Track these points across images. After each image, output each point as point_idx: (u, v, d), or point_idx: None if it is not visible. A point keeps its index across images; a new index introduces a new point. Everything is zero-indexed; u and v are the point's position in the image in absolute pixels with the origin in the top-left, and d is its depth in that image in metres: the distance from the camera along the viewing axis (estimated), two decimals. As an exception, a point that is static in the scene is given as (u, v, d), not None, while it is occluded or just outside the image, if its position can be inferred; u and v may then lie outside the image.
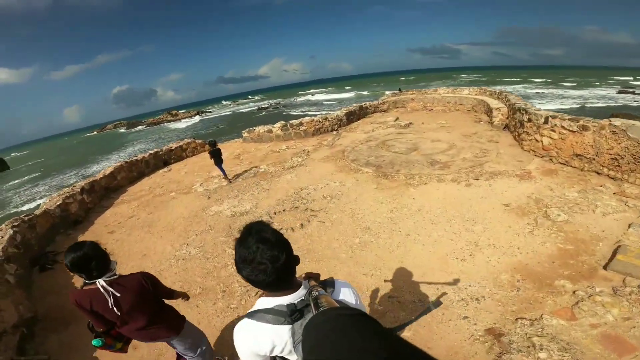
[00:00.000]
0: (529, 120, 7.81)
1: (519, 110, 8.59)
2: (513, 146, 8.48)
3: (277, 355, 1.07)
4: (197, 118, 72.93)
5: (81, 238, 6.88)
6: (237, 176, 8.90)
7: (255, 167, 9.40)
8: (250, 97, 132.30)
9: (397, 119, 13.29)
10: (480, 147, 8.46)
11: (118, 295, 1.83)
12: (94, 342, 1.92)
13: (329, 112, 13.65)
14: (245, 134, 12.80)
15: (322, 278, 1.26)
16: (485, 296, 3.56)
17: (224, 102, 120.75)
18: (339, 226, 5.53)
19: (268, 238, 0.99)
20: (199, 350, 2.46)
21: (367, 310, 1.59)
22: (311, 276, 1.23)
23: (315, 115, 12.83)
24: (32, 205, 26.44)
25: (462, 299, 3.56)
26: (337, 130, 12.57)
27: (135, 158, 10.48)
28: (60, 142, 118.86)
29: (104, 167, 35.80)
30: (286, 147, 11.07)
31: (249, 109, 74.18)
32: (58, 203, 7.69)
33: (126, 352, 2.20)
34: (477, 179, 6.57)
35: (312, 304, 0.92)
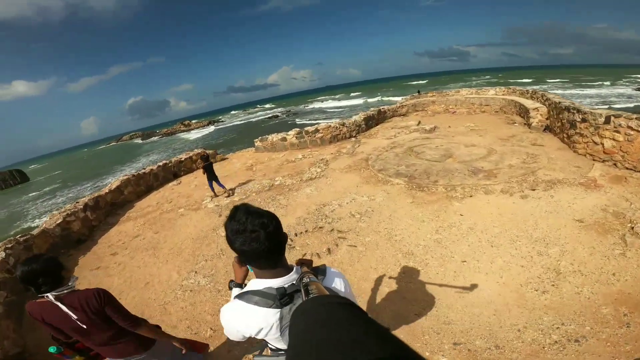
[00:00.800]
0: (584, 120, 6.73)
1: (567, 110, 7.51)
2: (563, 150, 7.40)
3: (263, 339, 1.09)
4: (211, 127, 72.80)
5: (82, 260, 6.24)
6: (244, 189, 8.04)
7: (270, 179, 8.54)
8: (259, 105, 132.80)
9: (419, 122, 12.31)
10: (524, 151, 7.40)
11: (65, 310, 1.72)
12: (50, 349, 1.88)
13: (346, 118, 12.77)
14: (257, 142, 12.02)
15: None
16: (587, 336, 2.79)
17: (232, 112, 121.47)
18: (375, 251, 4.59)
19: (255, 210, 1.01)
20: None
21: (357, 301, 1.43)
22: (304, 262, 1.21)
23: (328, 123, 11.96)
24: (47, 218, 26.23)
25: (556, 342, 2.79)
26: (355, 136, 11.66)
27: (143, 171, 9.78)
28: (79, 153, 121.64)
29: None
30: (302, 156, 10.20)
31: (259, 117, 73.98)
32: (58, 222, 7.00)
33: None
34: (534, 189, 5.53)
35: (302, 290, 0.91)
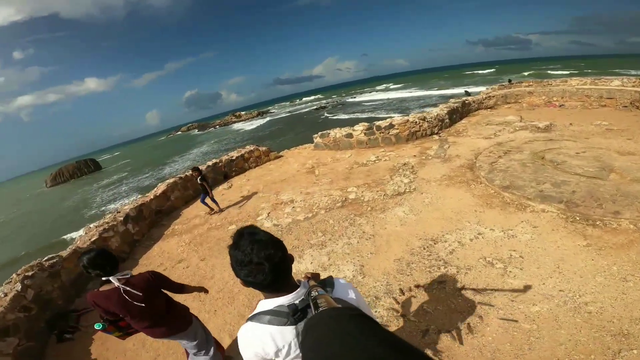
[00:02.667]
0: None
1: None
2: None
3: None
4: (264, 118, 72.34)
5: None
6: (309, 203, 6.13)
7: (341, 189, 6.57)
8: (304, 98, 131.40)
9: (521, 118, 9.50)
10: None
11: (129, 290, 1.92)
12: (96, 326, 2.00)
13: (424, 111, 10.32)
14: (317, 139, 10.12)
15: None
16: None
17: (281, 104, 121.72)
18: (557, 332, 2.46)
19: (260, 239, 0.96)
20: (205, 351, 2.49)
21: (369, 308, 1.38)
22: (310, 276, 1.17)
23: (384, 117, 9.68)
24: (111, 206, 27.31)
25: None
26: (438, 133, 9.24)
27: (191, 172, 8.37)
28: (144, 144, 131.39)
29: (175, 170, 36.50)
30: (375, 157, 8.07)
31: (307, 109, 72.21)
32: (94, 238, 5.74)
33: (124, 339, 2.25)
34: None
35: (311, 304, 0.89)
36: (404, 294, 3.42)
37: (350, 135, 9.28)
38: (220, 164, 9.19)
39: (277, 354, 1.00)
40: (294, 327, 0.98)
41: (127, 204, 7.09)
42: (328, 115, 48.42)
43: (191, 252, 5.54)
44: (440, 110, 9.55)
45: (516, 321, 2.79)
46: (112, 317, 2.04)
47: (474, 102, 11.51)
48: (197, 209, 7.63)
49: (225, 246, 5.38)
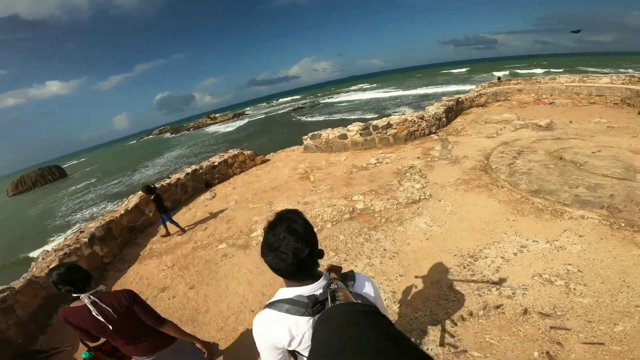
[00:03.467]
0: None
1: None
2: None
3: (295, 350, 1.03)
4: (241, 120, 69.61)
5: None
6: (311, 215, 5.37)
7: (345, 197, 5.85)
8: (280, 99, 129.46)
9: (518, 116, 9.22)
10: None
11: (98, 311, 1.79)
12: (83, 355, 1.91)
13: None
14: (307, 140, 9.34)
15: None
16: None
17: (257, 105, 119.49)
18: None
19: (296, 229, 0.94)
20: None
21: (386, 306, 1.39)
22: (332, 269, 1.14)
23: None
24: (78, 215, 25.15)
25: None
26: (436, 133, 8.74)
27: (167, 182, 7.35)
28: (113, 148, 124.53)
29: (146, 176, 34.32)
30: (375, 160, 7.41)
31: (285, 109, 70.88)
32: (52, 266, 4.68)
33: None
34: None
35: (329, 297, 0.89)
36: (456, 324, 2.79)
37: (344, 136, 8.59)
38: (200, 170, 8.20)
39: (290, 343, 0.99)
40: (310, 318, 0.96)
41: (92, 222, 5.99)
42: (301, 117, 47.24)
43: (176, 278, 4.63)
44: (437, 108, 9.07)
45: (602, 344, 2.33)
46: (87, 336, 1.90)
47: (466, 100, 11.17)
48: (176, 220, 6.65)
49: (216, 269, 4.55)
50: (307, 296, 0.97)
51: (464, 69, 74.68)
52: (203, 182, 8.23)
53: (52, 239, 21.18)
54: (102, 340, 1.97)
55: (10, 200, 46.99)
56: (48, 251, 5.29)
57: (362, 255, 4.05)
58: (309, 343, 0.96)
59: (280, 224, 0.97)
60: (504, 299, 2.95)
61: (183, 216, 6.89)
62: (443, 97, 10.93)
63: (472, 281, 3.24)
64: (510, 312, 2.79)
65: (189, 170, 8.05)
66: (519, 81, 12.71)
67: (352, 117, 35.94)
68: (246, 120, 66.37)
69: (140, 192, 6.23)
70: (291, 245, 0.92)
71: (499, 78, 14.77)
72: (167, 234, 6.06)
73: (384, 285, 3.45)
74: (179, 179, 7.55)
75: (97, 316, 1.77)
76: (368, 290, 1.12)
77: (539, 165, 5.33)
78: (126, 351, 2.05)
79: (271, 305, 1.02)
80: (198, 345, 2.26)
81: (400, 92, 53.37)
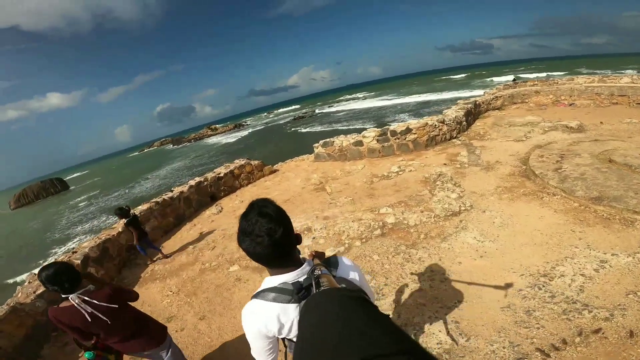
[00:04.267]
0: None
1: None
2: None
3: (285, 337, 1.03)
4: (244, 131, 68.30)
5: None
6: (335, 231, 4.68)
7: (371, 210, 5.16)
8: (281, 108, 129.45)
9: (543, 119, 8.61)
10: None
11: (89, 310, 1.80)
12: (86, 355, 1.90)
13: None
14: (319, 148, 8.70)
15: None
16: None
17: (257, 115, 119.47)
18: None
19: (268, 212, 0.94)
20: None
21: (372, 290, 1.32)
22: (316, 254, 1.15)
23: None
24: (78, 228, 24.44)
25: None
26: (457, 137, 8.11)
27: (170, 195, 6.68)
28: (115, 160, 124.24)
29: (145, 189, 33.62)
30: (398, 168, 6.75)
31: (286, 119, 70.41)
32: (39, 291, 4.13)
33: None
34: None
35: (313, 283, 0.88)
36: (549, 355, 2.18)
37: (359, 143, 7.94)
38: (205, 183, 7.54)
39: (279, 331, 0.99)
40: (297, 304, 0.95)
41: (86, 241, 5.30)
42: (298, 128, 46.21)
43: (183, 306, 3.97)
44: (457, 112, 8.45)
45: None
46: (79, 335, 1.88)
47: (483, 103, 10.57)
48: (181, 240, 5.97)
49: (229, 296, 3.87)
50: (292, 283, 0.97)
51: (463, 75, 74.18)
52: (208, 195, 7.56)
53: (52, 250, 20.48)
54: (94, 340, 1.96)
55: (13, 214, 46.32)
56: (35, 274, 4.61)
57: (404, 278, 3.38)
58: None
59: (252, 210, 0.96)
60: (600, 321, 2.37)
61: (187, 233, 6.21)
62: (459, 101, 10.33)
63: (553, 303, 2.58)
64: (614, 336, 2.25)
65: (192, 182, 7.40)
66: (536, 83, 12.16)
67: (352, 127, 35.48)
68: (249, 131, 65.69)
69: (119, 218, 5.34)
70: (264, 227, 0.90)
71: (514, 79, 14.22)
72: (151, 261, 5.43)
73: (441, 313, 2.78)
74: (182, 192, 6.88)
75: (86, 314, 1.77)
76: (352, 275, 1.11)
77: (592, 170, 4.66)
78: (121, 348, 2.06)
79: (258, 295, 1.01)
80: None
81: (400, 100, 52.45)
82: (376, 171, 6.92)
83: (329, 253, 4.28)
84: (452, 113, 8.26)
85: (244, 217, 0.97)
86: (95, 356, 1.94)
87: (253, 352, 1.07)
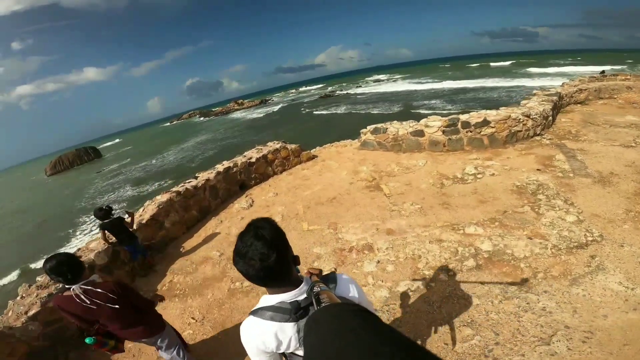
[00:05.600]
0: None
1: None
2: None
3: (284, 352, 1.01)
4: (280, 104, 65.53)
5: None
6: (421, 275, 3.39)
7: (453, 228, 3.82)
8: (307, 86, 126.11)
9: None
10: None
11: (88, 301, 1.84)
12: (87, 340, 1.92)
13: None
14: (367, 135, 7.29)
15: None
16: None
17: (282, 92, 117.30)
18: None
19: (264, 235, 0.91)
20: (175, 348, 2.42)
21: (371, 304, 1.32)
22: (313, 272, 1.11)
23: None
24: (104, 198, 24.56)
25: None
26: (540, 135, 6.44)
27: (194, 184, 5.56)
28: (148, 130, 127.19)
29: (167, 162, 33.43)
30: (474, 169, 5.27)
31: (312, 97, 67.70)
32: (33, 311, 3.22)
33: (123, 350, 2.24)
34: None
35: (313, 300, 0.87)
36: None
37: (419, 133, 6.45)
38: (234, 169, 6.38)
39: (278, 347, 0.97)
40: (295, 323, 0.94)
41: (93, 242, 4.30)
42: (328, 108, 44.05)
43: (210, 343, 3.15)
44: (542, 104, 6.69)
45: None
46: (81, 321, 1.94)
47: (565, 95, 8.64)
48: (205, 241, 4.90)
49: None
50: (290, 302, 0.95)
51: (508, 62, 66.48)
52: (237, 183, 6.43)
53: (79, 219, 20.54)
54: (97, 326, 1.99)
55: (48, 180, 47.73)
56: (29, 287, 3.65)
57: (524, 335, 2.22)
58: (297, 345, 0.96)
59: (249, 231, 0.94)
60: None
61: (213, 231, 5.12)
62: (535, 90, 8.48)
63: None
64: None
65: (220, 168, 6.26)
66: (628, 77, 9.94)
67: (376, 110, 33.32)
68: (274, 107, 63.79)
69: (126, 212, 4.38)
70: (258, 251, 0.89)
71: (602, 72, 11.96)
72: (148, 266, 4.44)
73: None
74: (208, 179, 5.76)
75: (86, 303, 1.82)
76: (351, 292, 1.08)
77: None
78: (122, 334, 2.11)
79: (255, 313, 1.00)
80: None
81: (432, 85, 48.36)
82: (444, 170, 5.49)
83: (402, 288, 3.06)
84: (538, 106, 6.53)
85: (241, 237, 0.95)
86: (96, 341, 1.96)
87: None
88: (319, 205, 5.17)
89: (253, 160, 6.71)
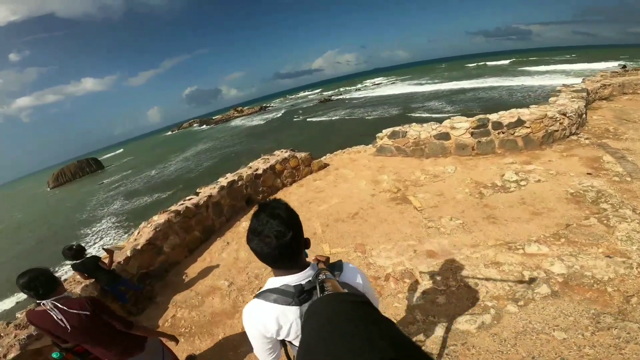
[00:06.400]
0: None
1: None
2: None
3: (285, 340, 1.02)
4: (282, 110, 64.27)
5: None
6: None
7: (508, 247, 3.14)
8: (306, 91, 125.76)
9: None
10: None
11: (60, 316, 1.75)
12: (53, 355, 1.87)
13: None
14: (383, 139, 6.64)
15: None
16: None
17: (280, 98, 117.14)
18: None
19: (279, 214, 0.92)
20: None
21: (376, 295, 1.35)
22: (320, 259, 1.08)
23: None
24: (105, 210, 23.96)
25: None
26: (577, 133, 5.79)
27: (195, 201, 4.88)
28: (149, 140, 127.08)
29: (171, 172, 33.00)
30: (515, 175, 4.58)
31: (312, 102, 66.63)
32: (15, 354, 2.54)
33: None
34: None
35: (317, 287, 0.86)
36: None
37: (444, 136, 5.79)
38: (240, 182, 5.71)
39: (278, 333, 0.97)
40: (297, 307, 0.94)
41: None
42: (327, 113, 43.44)
43: None
44: (576, 101, 6.04)
45: None
46: (54, 338, 1.87)
47: (591, 91, 8.00)
48: (210, 266, 4.24)
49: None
50: (294, 285, 0.94)
51: (507, 61, 64.41)
52: (243, 198, 5.76)
53: (80, 232, 20.05)
54: (71, 344, 1.93)
55: (51, 192, 47.57)
56: (7, 326, 3.01)
57: None
58: (298, 332, 0.96)
59: (264, 210, 0.94)
60: None
61: (219, 255, 4.45)
62: (561, 87, 7.83)
63: None
64: None
65: (223, 182, 5.60)
66: None
67: (375, 113, 32.88)
68: (273, 114, 63.12)
69: (109, 249, 3.59)
70: (274, 229, 0.89)
71: (624, 66, 11.38)
72: (146, 297, 3.82)
73: None
74: (210, 196, 5.09)
75: (58, 320, 1.75)
76: (357, 280, 1.08)
77: None
78: (98, 354, 2.00)
79: (260, 295, 0.99)
80: (164, 338, 2.28)
81: (431, 87, 47.31)
82: (479, 177, 4.82)
83: (463, 324, 2.39)
84: (571, 103, 5.88)
85: (256, 216, 0.94)
86: (64, 358, 1.90)
87: (254, 351, 1.05)
88: (340, 222, 4.50)
89: (260, 172, 6.05)
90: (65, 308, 1.75)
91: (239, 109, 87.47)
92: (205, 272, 4.17)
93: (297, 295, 0.93)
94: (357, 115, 34.61)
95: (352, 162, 6.84)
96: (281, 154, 6.73)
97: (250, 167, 6.26)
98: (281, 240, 0.88)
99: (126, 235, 16.61)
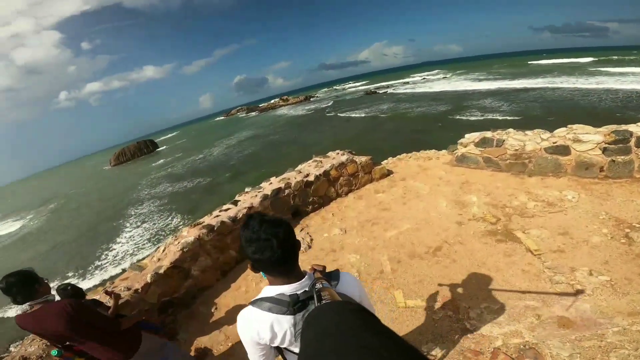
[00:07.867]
0: None
1: None
2: None
3: (279, 347, 0.98)
4: (330, 101, 61.71)
5: None
6: None
7: None
8: (350, 82, 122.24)
9: None
10: None
11: (36, 319, 1.71)
12: (52, 352, 1.82)
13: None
14: (469, 147, 5.19)
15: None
16: None
17: (318, 94, 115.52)
18: None
19: (270, 219, 0.93)
20: None
21: (372, 303, 1.34)
22: (316, 268, 1.07)
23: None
24: (153, 191, 25.08)
25: None
26: None
27: (232, 215, 3.97)
28: (201, 124, 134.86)
29: (216, 154, 32.53)
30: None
31: (358, 94, 64.16)
32: None
33: None
34: None
35: (314, 296, 0.86)
36: None
37: (562, 150, 4.19)
38: (287, 191, 4.72)
39: (272, 340, 0.95)
40: (292, 316, 0.91)
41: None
42: (375, 105, 40.86)
43: None
44: None
45: None
46: (46, 339, 1.89)
47: None
48: (246, 294, 3.32)
49: None
50: (289, 295, 0.92)
51: (589, 59, 53.41)
52: (290, 209, 4.77)
53: (127, 211, 21.01)
54: (69, 343, 1.86)
55: (112, 170, 52.38)
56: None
57: None
58: (292, 340, 0.94)
59: (252, 219, 0.93)
60: None
61: (256, 285, 3.51)
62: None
63: None
64: None
65: (267, 189, 4.64)
66: None
67: (419, 108, 30.19)
68: (325, 103, 61.33)
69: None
70: (270, 230, 0.88)
71: None
72: (168, 336, 2.88)
73: None
74: (251, 206, 4.15)
75: (40, 323, 1.72)
76: (353, 289, 1.06)
77: None
78: (96, 354, 1.90)
79: (254, 303, 0.97)
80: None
81: (496, 84, 41.51)
82: (618, 212, 3.27)
83: None
84: None
85: (245, 227, 0.93)
86: (62, 355, 1.83)
87: (249, 356, 1.04)
88: (416, 258, 3.30)
89: (311, 178, 4.99)
90: (43, 310, 1.70)
91: (285, 98, 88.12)
92: (239, 308, 3.26)
93: (292, 305, 0.90)
94: (405, 110, 32.23)
95: (423, 172, 5.50)
96: (337, 156, 5.62)
97: (300, 172, 5.23)
98: (280, 238, 0.88)
99: (161, 225, 16.73)
